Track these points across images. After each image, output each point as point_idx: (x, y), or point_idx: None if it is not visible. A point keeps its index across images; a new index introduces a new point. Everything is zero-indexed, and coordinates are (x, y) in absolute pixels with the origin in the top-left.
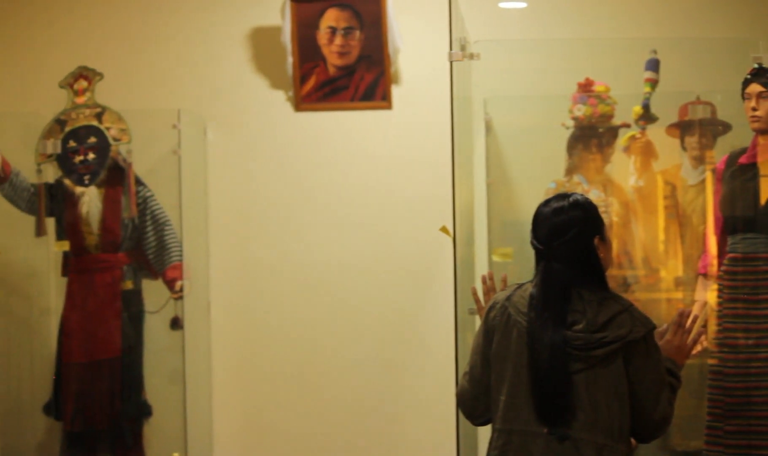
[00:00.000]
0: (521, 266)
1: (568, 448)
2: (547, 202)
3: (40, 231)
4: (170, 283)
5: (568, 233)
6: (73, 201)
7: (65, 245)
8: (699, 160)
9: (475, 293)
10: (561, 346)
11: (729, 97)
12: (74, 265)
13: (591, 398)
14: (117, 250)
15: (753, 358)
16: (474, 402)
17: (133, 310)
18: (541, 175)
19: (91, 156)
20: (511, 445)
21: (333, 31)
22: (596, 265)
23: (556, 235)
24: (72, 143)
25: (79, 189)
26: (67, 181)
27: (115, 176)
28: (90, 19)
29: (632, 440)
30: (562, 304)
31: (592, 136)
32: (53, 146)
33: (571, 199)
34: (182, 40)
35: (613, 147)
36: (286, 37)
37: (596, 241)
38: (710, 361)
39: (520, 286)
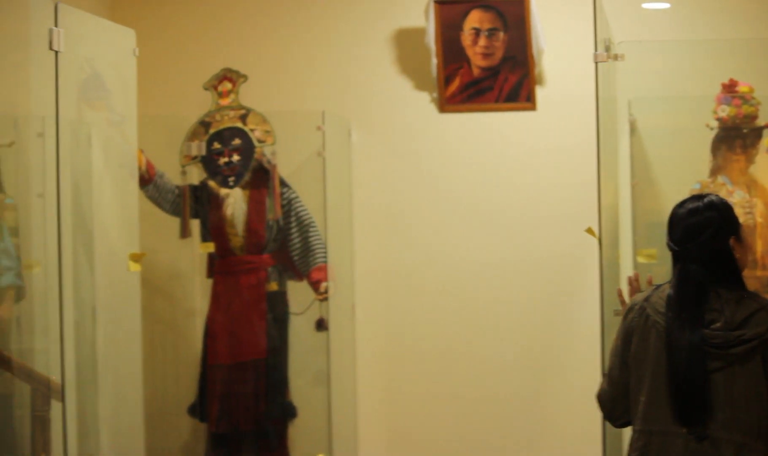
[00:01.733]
0: (666, 267)
1: (707, 447)
2: (682, 204)
3: (184, 233)
4: (315, 285)
5: (704, 234)
6: (217, 203)
7: (210, 247)
8: None
9: (620, 294)
10: (699, 345)
11: None
12: (219, 266)
13: (729, 397)
14: (262, 252)
15: None
16: (613, 404)
17: (278, 312)
18: (685, 176)
19: (235, 158)
20: (651, 445)
21: (477, 32)
22: (732, 266)
23: (691, 236)
24: (216, 145)
25: (223, 191)
26: (211, 183)
27: (259, 178)
28: (234, 21)
29: None
30: (699, 304)
31: (736, 136)
32: (198, 148)
33: (706, 200)
34: (326, 42)
35: (758, 148)
36: (430, 38)
37: (732, 241)
38: None
39: (657, 287)
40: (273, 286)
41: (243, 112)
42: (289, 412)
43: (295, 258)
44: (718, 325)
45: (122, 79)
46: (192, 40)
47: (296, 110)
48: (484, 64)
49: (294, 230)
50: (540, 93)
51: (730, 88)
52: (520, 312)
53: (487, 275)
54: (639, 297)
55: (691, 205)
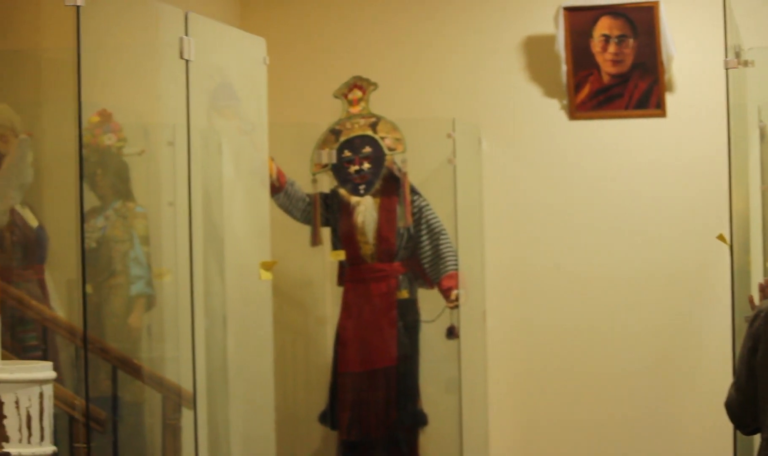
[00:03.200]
0: None
1: None
2: None
3: (315, 241)
4: (446, 292)
5: None
6: (348, 211)
7: (341, 255)
8: None
9: (752, 301)
10: None
11: None
12: (350, 274)
13: None
14: (392, 260)
15: None
16: (741, 411)
17: (408, 320)
18: None
19: (366, 166)
20: None
21: (606, 39)
22: None
23: None
24: (347, 153)
25: (354, 199)
26: (342, 191)
27: (390, 186)
28: (364, 29)
29: None
30: None
31: None
32: (328, 156)
33: None
34: (456, 49)
35: None
36: (560, 45)
37: None
38: None
39: None
40: (404, 294)
41: (373, 120)
42: (420, 420)
43: (426, 266)
44: None
45: (253, 88)
46: (322, 48)
47: (426, 118)
48: (613, 71)
49: (425, 238)
50: (670, 99)
51: None
52: (651, 319)
53: (617, 282)
54: (765, 304)
55: None
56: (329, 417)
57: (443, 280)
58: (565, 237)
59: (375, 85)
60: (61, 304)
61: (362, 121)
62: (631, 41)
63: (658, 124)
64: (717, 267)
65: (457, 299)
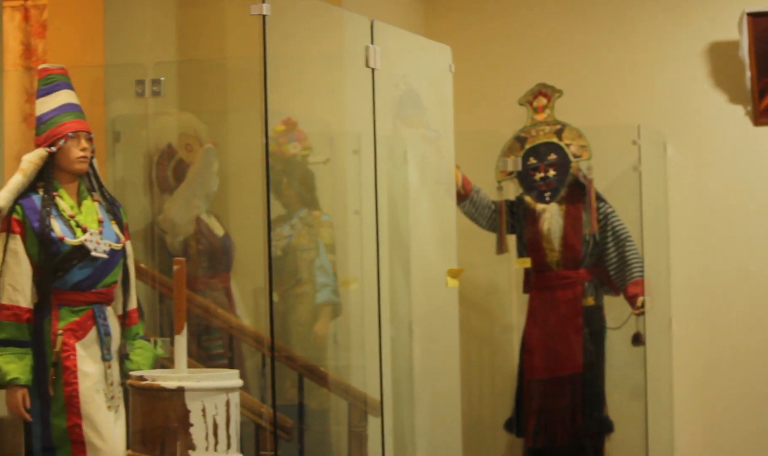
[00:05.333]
0: None
1: None
2: None
3: (501, 248)
4: (632, 299)
5: None
6: (534, 218)
7: (527, 262)
8: None
9: None
10: None
11: None
12: (535, 281)
13: None
14: (578, 267)
15: None
16: None
17: (594, 326)
18: None
19: (551, 173)
20: None
21: None
22: None
23: None
24: (532, 160)
25: (540, 206)
26: (527, 198)
27: (575, 193)
28: (549, 36)
29: None
30: None
31: None
32: (514, 163)
33: None
34: (640, 56)
35: None
36: (744, 51)
37: None
38: None
39: None
40: (589, 301)
41: (558, 127)
42: (606, 427)
43: (612, 272)
44: None
45: (438, 96)
46: (506, 55)
47: (611, 125)
48: None
49: (610, 245)
50: None
51: None
52: None
53: None
54: None
55: None
56: (515, 424)
57: (629, 286)
58: (754, 244)
59: (560, 92)
60: (247, 312)
61: (547, 129)
62: None
63: None
64: None
65: (642, 306)
